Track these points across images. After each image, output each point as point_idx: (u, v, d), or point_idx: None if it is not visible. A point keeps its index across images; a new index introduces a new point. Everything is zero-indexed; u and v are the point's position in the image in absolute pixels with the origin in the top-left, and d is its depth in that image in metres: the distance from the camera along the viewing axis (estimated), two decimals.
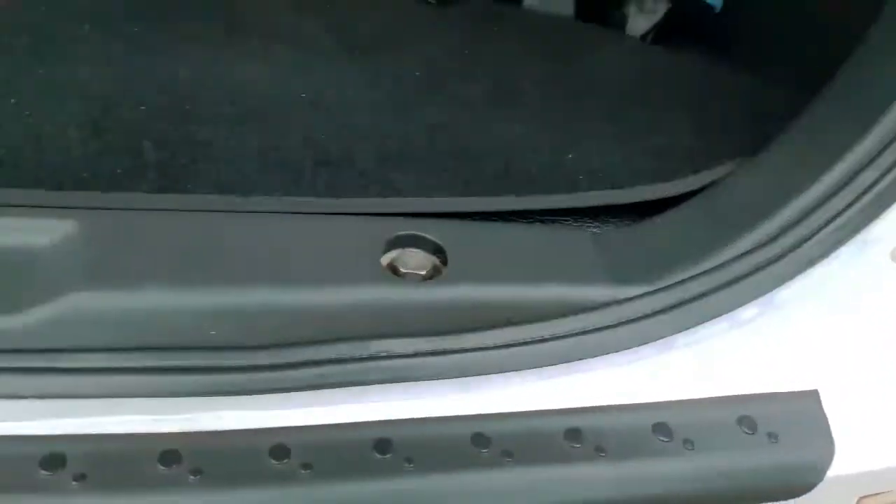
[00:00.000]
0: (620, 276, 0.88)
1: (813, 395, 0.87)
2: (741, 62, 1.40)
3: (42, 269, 0.80)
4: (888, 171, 0.89)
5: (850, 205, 0.88)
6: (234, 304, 0.81)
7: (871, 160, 0.89)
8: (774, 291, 0.88)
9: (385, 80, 1.24)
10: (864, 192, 0.88)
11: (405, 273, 0.87)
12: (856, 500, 0.94)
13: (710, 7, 1.49)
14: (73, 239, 0.82)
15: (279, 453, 0.77)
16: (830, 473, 0.87)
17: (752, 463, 0.86)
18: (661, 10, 1.58)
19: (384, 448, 0.79)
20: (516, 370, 0.84)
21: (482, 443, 0.81)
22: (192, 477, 0.73)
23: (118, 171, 0.92)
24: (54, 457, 0.72)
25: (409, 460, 0.78)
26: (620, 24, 1.63)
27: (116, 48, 1.19)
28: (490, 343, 0.82)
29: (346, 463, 0.78)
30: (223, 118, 1.05)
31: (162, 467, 0.73)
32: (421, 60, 1.32)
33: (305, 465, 0.76)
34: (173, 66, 1.17)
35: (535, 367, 0.84)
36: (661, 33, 1.60)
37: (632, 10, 1.60)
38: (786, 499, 0.89)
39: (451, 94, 1.23)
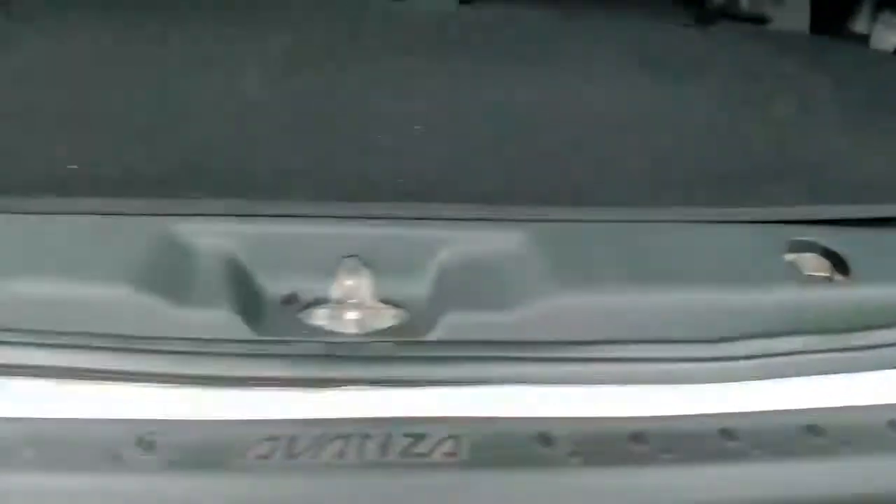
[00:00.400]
0: None
1: None
2: None
3: (509, 272, 0.90)
4: None
5: None
6: (680, 301, 0.90)
7: None
8: None
9: (690, 98, 1.33)
10: None
11: (808, 275, 0.95)
12: None
13: None
14: (527, 247, 0.92)
15: (730, 435, 0.84)
16: None
17: None
18: None
19: (817, 431, 0.86)
20: None
21: None
22: (663, 455, 0.81)
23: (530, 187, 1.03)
24: (547, 436, 0.81)
25: (845, 444, 0.84)
26: (861, 38, 1.68)
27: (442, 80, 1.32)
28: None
29: (783, 445, 0.85)
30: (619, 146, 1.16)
31: (635, 446, 0.81)
32: (711, 79, 1.41)
33: (755, 445, 0.83)
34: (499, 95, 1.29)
35: None
36: None
37: (878, 26, 1.65)
38: None
39: (759, 110, 1.31)
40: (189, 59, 1.35)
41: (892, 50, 1.65)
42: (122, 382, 0.78)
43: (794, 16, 1.76)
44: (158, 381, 0.78)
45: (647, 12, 1.69)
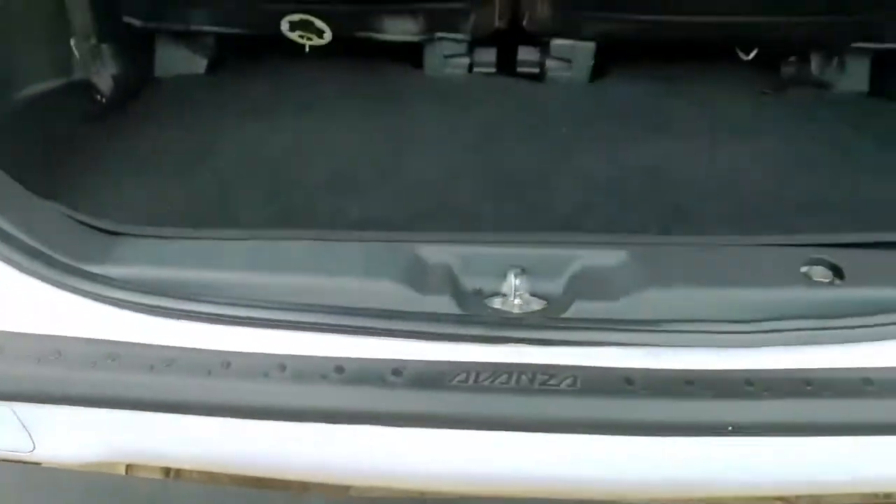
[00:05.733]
0: None
1: None
2: None
3: (616, 277, 1.24)
4: None
5: None
6: (728, 296, 1.22)
7: None
8: None
9: (758, 155, 1.62)
10: None
11: (816, 280, 1.24)
12: None
13: None
14: (628, 261, 1.26)
15: (749, 383, 1.14)
16: None
17: None
18: None
19: (808, 380, 1.15)
20: (886, 339, 1.17)
21: (869, 383, 1.15)
22: (706, 392, 1.13)
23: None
24: (630, 378, 1.14)
25: (827, 391, 1.13)
26: None
27: None
28: (882, 323, 1.16)
29: (785, 391, 1.14)
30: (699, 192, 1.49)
31: (687, 386, 1.13)
32: (775, 138, 1.69)
33: (765, 390, 1.13)
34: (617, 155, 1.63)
35: None
36: None
37: None
38: None
39: (807, 163, 1.59)
40: (402, 138, 1.68)
41: None
42: (386, 337, 1.15)
43: (854, 80, 1.99)
44: (406, 337, 1.15)
45: (734, 82, 1.98)
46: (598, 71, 1.98)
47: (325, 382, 1.13)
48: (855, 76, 1.98)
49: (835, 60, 1.98)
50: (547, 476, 1.18)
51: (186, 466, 1.34)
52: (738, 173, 1.55)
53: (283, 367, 1.14)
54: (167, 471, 1.43)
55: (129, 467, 1.35)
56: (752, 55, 2.00)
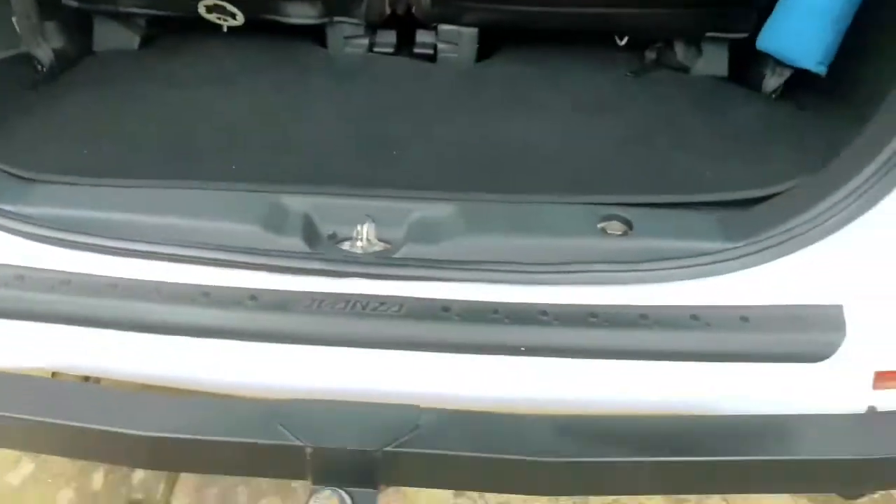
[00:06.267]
0: (728, 237, 1.44)
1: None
2: (840, 108, 1.88)
3: (440, 225, 1.48)
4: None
5: None
6: (535, 243, 1.45)
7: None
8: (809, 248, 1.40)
9: (596, 129, 1.85)
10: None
11: (610, 233, 1.50)
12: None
13: (817, 74, 1.97)
14: (454, 214, 1.50)
15: (544, 313, 1.39)
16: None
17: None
18: (787, 74, 2.06)
19: (594, 313, 1.41)
20: (667, 281, 1.41)
21: (645, 318, 1.40)
22: (506, 319, 1.38)
23: None
24: (446, 307, 1.39)
25: (608, 323, 1.39)
26: (758, 84, 2.11)
27: None
28: (655, 268, 1.40)
29: (575, 322, 1.40)
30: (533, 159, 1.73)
31: (492, 315, 1.39)
32: (620, 114, 1.92)
33: (557, 319, 1.39)
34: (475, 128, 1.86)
35: (676, 280, 1.42)
36: (786, 90, 2.08)
37: (767, 74, 2.10)
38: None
39: (637, 137, 1.83)
40: (295, 108, 1.91)
41: (772, 90, 2.11)
42: (245, 269, 1.38)
43: (714, 66, 2.23)
44: (262, 269, 1.38)
45: (605, 65, 2.21)
46: (485, 53, 2.20)
47: (194, 304, 1.38)
48: (715, 62, 2.21)
49: (693, 48, 2.21)
50: (373, 388, 1.43)
51: (91, 374, 1.60)
52: (573, 144, 1.78)
53: (159, 291, 1.39)
54: (85, 378, 1.68)
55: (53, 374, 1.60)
56: (624, 41, 2.23)
